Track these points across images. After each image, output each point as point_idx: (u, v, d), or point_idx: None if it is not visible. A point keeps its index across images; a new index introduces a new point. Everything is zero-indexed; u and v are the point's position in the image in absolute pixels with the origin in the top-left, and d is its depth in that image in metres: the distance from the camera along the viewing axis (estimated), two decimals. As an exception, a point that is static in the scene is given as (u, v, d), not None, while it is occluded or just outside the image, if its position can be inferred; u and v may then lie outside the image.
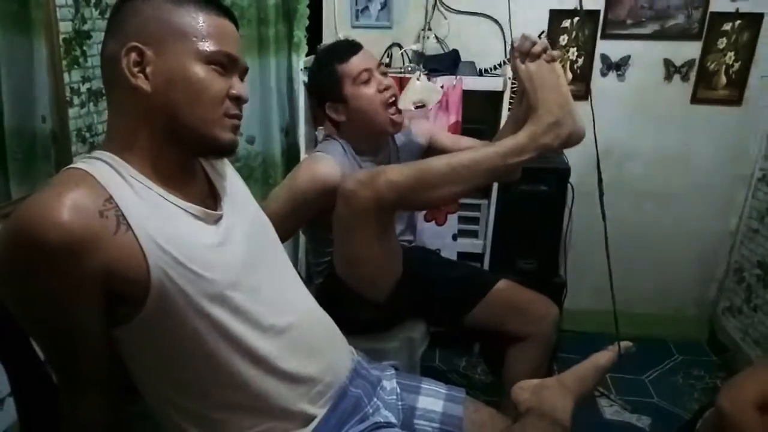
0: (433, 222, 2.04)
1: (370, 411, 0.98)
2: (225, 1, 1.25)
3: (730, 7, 2.00)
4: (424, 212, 2.00)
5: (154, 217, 0.78)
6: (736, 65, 2.06)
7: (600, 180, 1.16)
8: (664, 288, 2.33)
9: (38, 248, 0.68)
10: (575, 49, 2.11)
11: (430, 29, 2.11)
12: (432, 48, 2.09)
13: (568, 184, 2.09)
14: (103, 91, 0.87)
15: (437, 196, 1.17)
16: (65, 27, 1.59)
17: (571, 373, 1.10)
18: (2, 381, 0.89)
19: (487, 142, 1.51)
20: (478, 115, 2.07)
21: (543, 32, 2.06)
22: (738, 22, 2.01)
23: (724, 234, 2.25)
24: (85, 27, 1.68)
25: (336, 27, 2.16)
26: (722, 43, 2.04)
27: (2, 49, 1.42)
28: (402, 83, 1.61)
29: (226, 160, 1.00)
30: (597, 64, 2.12)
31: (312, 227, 1.50)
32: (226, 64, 0.83)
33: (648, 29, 2.07)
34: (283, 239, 1.16)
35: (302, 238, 2.08)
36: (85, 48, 1.68)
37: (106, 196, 0.74)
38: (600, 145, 1.16)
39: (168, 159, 0.83)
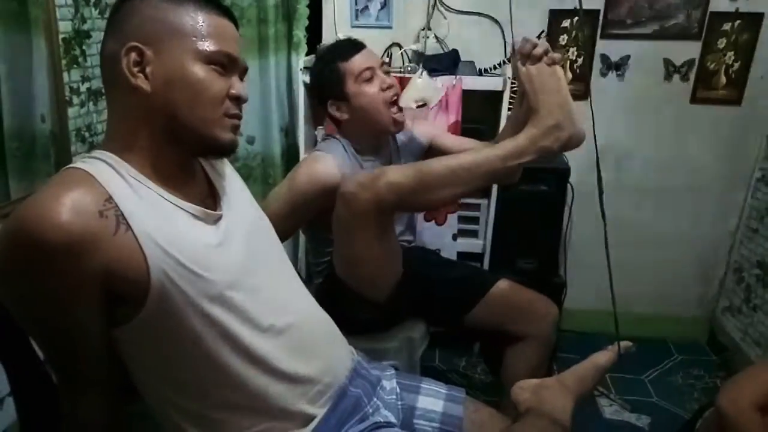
0: (433, 222, 2.04)
1: (370, 411, 0.98)
2: (225, 1, 1.25)
3: (729, 7, 2.00)
4: (423, 212, 2.00)
5: (154, 217, 0.77)
6: (736, 65, 2.06)
7: (600, 179, 1.15)
8: (663, 288, 2.33)
9: (38, 248, 0.68)
10: (575, 48, 2.11)
11: (429, 29, 2.11)
12: (432, 48, 2.09)
13: (568, 184, 2.09)
14: (103, 91, 0.87)
15: (437, 197, 1.17)
16: (65, 26, 1.59)
17: (570, 372, 1.10)
18: (2, 381, 0.89)
19: (487, 143, 1.51)
20: (478, 114, 2.07)
21: (543, 32, 2.06)
22: (738, 22, 2.01)
23: (723, 234, 2.25)
24: (85, 26, 1.68)
25: (336, 27, 2.16)
26: (722, 42, 2.04)
27: (2, 49, 1.41)
28: (402, 83, 1.61)
29: (225, 160, 1.00)
30: (597, 63, 2.12)
31: (312, 227, 1.50)
32: (225, 64, 0.83)
33: (648, 29, 2.06)
34: (282, 239, 1.16)
35: (302, 238, 2.07)
36: (84, 47, 1.68)
37: (106, 196, 0.74)
38: (599, 144, 1.15)
39: (168, 159, 0.83)
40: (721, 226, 2.24)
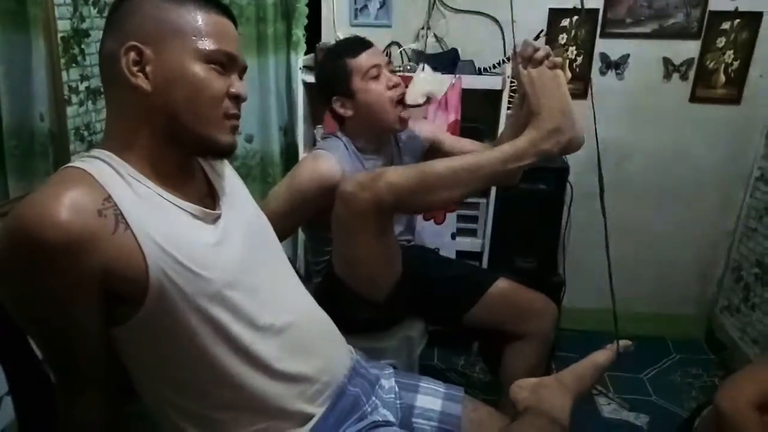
0: (432, 221, 2.04)
1: (369, 410, 0.98)
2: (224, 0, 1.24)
3: (729, 6, 2.00)
4: (422, 212, 2.00)
5: (153, 217, 0.77)
6: (735, 64, 2.06)
7: (600, 178, 1.16)
8: (662, 286, 2.33)
9: (36, 247, 0.68)
10: (574, 47, 2.11)
11: (429, 28, 2.11)
12: (431, 47, 2.09)
13: (567, 183, 2.09)
14: (102, 90, 0.87)
15: (437, 199, 1.17)
16: (63, 25, 1.59)
17: (569, 371, 1.10)
18: (0, 380, 0.89)
19: (488, 144, 1.51)
20: (477, 113, 2.07)
21: (542, 31, 2.06)
22: (737, 20, 2.01)
23: (722, 233, 2.25)
24: (84, 25, 1.67)
25: (335, 26, 2.16)
26: (721, 41, 2.04)
27: (0, 48, 1.41)
28: (404, 82, 1.61)
29: (224, 160, 1.00)
30: (596, 62, 2.12)
31: (311, 226, 1.50)
32: (225, 63, 0.83)
33: (647, 28, 2.06)
34: (282, 238, 1.16)
35: (301, 237, 2.08)
36: (83, 46, 1.68)
37: (105, 196, 0.74)
38: (598, 144, 1.16)
39: (167, 158, 0.83)
40: (720, 225, 2.24)
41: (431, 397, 1.07)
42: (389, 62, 1.48)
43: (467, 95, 1.94)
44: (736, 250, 2.22)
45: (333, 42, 2.08)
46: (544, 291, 1.53)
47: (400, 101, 1.44)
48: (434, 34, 2.11)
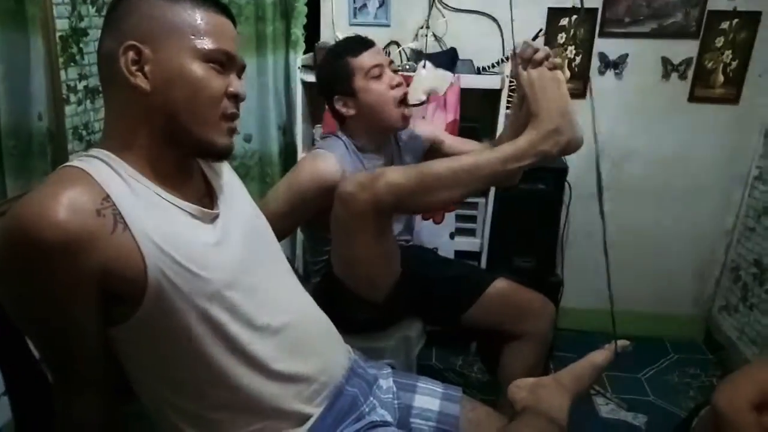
0: (431, 220, 2.04)
1: (367, 410, 0.98)
2: (222, -1, 1.24)
3: (727, 6, 2.00)
4: (421, 212, 2.00)
5: (152, 216, 0.77)
6: (734, 63, 2.06)
7: (599, 178, 1.15)
8: (660, 286, 2.33)
9: (35, 247, 0.68)
10: (573, 47, 2.11)
11: (428, 27, 2.11)
12: (430, 46, 2.09)
13: (566, 183, 2.09)
14: (100, 89, 0.87)
15: (436, 199, 1.17)
16: (62, 24, 1.59)
17: (567, 371, 1.10)
18: (-3, 380, 0.89)
19: (487, 144, 1.50)
20: (476, 113, 2.07)
21: (540, 30, 2.05)
22: (735, 20, 2.01)
23: (720, 232, 2.25)
24: (82, 24, 1.67)
25: (334, 25, 2.16)
26: (720, 41, 2.04)
27: (-2, 47, 1.41)
28: (405, 81, 1.61)
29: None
30: (595, 62, 2.12)
31: (310, 226, 1.50)
32: (224, 62, 0.83)
33: (646, 27, 2.07)
34: (281, 238, 1.16)
35: (300, 236, 2.07)
36: (81, 45, 1.68)
37: (104, 195, 0.74)
38: (597, 143, 1.15)
39: (165, 158, 0.83)
40: (718, 225, 2.25)
41: (429, 397, 1.07)
42: (391, 61, 1.48)
43: (466, 95, 1.94)
44: (735, 249, 2.22)
45: (332, 41, 2.08)
46: (543, 291, 1.53)
47: (403, 101, 1.43)
48: (433, 33, 2.11)
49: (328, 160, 1.37)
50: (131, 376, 0.84)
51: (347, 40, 1.52)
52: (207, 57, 0.80)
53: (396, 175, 1.13)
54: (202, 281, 0.79)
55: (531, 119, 1.16)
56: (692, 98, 2.12)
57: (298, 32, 2.04)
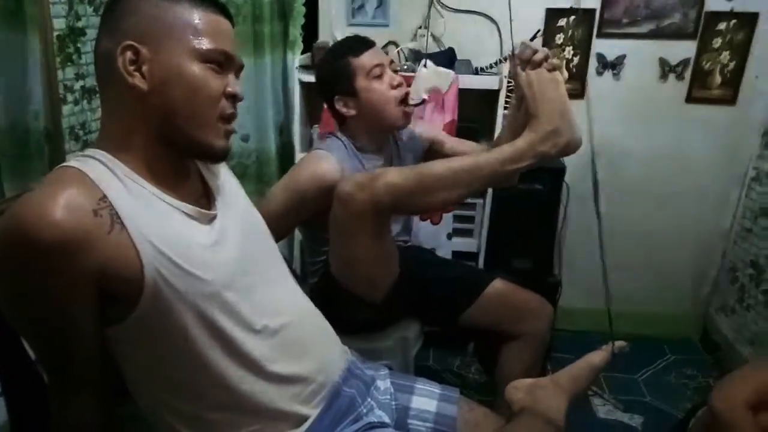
0: (428, 221, 2.04)
1: (364, 411, 0.98)
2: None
3: (725, 7, 2.01)
4: (419, 212, 1.99)
5: (149, 217, 0.77)
6: (731, 65, 2.06)
7: (595, 179, 1.16)
8: (657, 287, 2.34)
9: (32, 247, 0.68)
10: (571, 48, 2.11)
11: (426, 27, 2.11)
12: (428, 46, 2.09)
13: (563, 183, 2.09)
14: (97, 89, 0.86)
15: (435, 200, 1.17)
16: (59, 24, 1.58)
17: (565, 372, 1.10)
18: (-6, 381, 0.89)
19: (485, 145, 1.50)
20: (474, 113, 2.07)
21: (539, 31, 2.06)
22: (733, 21, 2.02)
23: (717, 233, 2.26)
24: (79, 24, 1.67)
25: (332, 25, 2.15)
26: (717, 42, 2.05)
27: (-5, 46, 1.41)
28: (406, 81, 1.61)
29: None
30: (593, 63, 2.12)
31: (308, 226, 1.50)
32: (222, 62, 0.83)
33: (643, 28, 2.07)
34: (279, 238, 1.16)
35: (297, 236, 2.07)
36: (79, 45, 1.67)
37: (101, 195, 0.74)
38: (595, 144, 1.16)
39: (162, 158, 0.83)
40: (715, 225, 2.25)
41: (427, 398, 1.07)
42: (392, 61, 1.48)
43: (464, 95, 1.94)
44: (731, 250, 2.22)
45: (330, 42, 2.08)
46: (540, 291, 1.53)
47: (404, 100, 1.43)
48: (431, 33, 2.11)
49: (328, 161, 1.37)
50: (127, 377, 0.84)
51: (347, 39, 1.51)
52: (205, 57, 0.80)
53: (395, 175, 1.13)
54: (199, 282, 0.78)
55: (530, 120, 1.16)
56: (690, 99, 2.12)
57: (296, 32, 2.03)
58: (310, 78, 1.91)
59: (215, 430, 0.84)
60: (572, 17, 2.08)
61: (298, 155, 2.07)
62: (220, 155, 0.86)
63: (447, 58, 2.00)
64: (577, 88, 2.11)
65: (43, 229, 0.67)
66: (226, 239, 0.87)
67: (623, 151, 2.20)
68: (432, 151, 1.61)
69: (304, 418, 0.89)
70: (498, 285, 1.48)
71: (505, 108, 1.94)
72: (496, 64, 2.02)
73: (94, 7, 1.71)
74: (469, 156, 1.20)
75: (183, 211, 0.83)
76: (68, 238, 0.68)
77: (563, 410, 1.02)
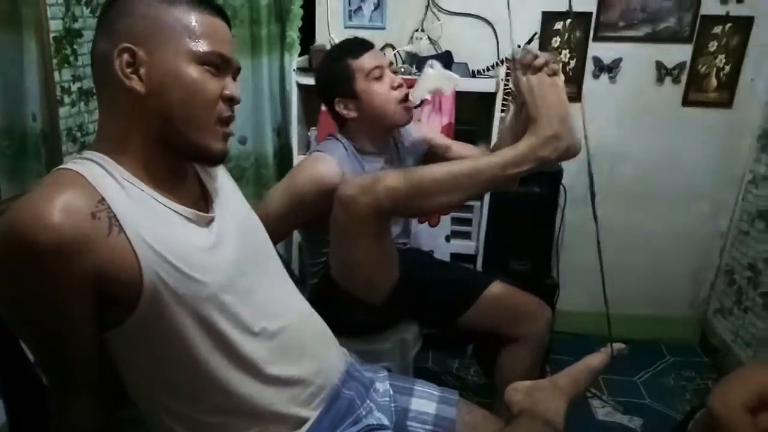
0: (426, 223, 2.04)
1: (363, 413, 0.97)
2: (217, 1, 1.24)
3: (720, 11, 2.02)
4: (417, 215, 1.99)
5: (147, 220, 0.77)
6: (727, 68, 2.07)
7: (591, 182, 1.16)
8: (655, 290, 2.34)
9: (29, 250, 0.68)
10: (567, 51, 2.12)
11: (423, 30, 2.12)
12: (425, 49, 2.09)
13: (561, 186, 2.10)
14: (94, 91, 0.86)
15: (436, 203, 1.17)
16: (55, 25, 1.58)
17: (564, 374, 1.10)
18: (-9, 383, 0.89)
19: (484, 148, 1.50)
20: (471, 116, 2.08)
21: (535, 34, 2.07)
22: (728, 25, 2.02)
23: (714, 236, 2.26)
24: (76, 25, 1.67)
25: (329, 28, 2.15)
26: (713, 46, 2.06)
27: (-8, 48, 1.41)
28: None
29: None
30: (589, 66, 2.13)
31: (308, 228, 1.49)
32: (219, 64, 0.82)
33: (640, 32, 2.08)
34: (278, 240, 1.16)
35: (296, 238, 2.07)
36: (75, 47, 1.67)
37: (99, 198, 0.74)
38: (591, 147, 1.16)
39: (160, 161, 0.82)
40: (713, 228, 2.25)
41: (426, 401, 1.07)
42: (391, 62, 1.48)
43: (461, 98, 1.94)
44: (729, 253, 2.23)
45: (327, 44, 2.08)
46: (538, 294, 1.53)
47: (404, 100, 1.43)
48: (428, 36, 2.12)
49: (328, 163, 1.36)
50: (126, 380, 0.83)
51: (346, 42, 1.51)
52: (202, 60, 0.80)
53: (396, 178, 1.12)
54: (198, 284, 0.78)
55: (530, 125, 1.16)
56: (686, 102, 2.13)
57: (293, 35, 2.04)
58: (308, 80, 1.92)
59: (213, 432, 0.84)
60: (568, 20, 2.08)
61: (296, 157, 2.07)
62: (218, 158, 0.86)
63: (444, 61, 2.00)
64: (574, 91, 2.12)
65: (40, 232, 0.67)
66: (224, 242, 0.86)
67: (620, 154, 2.21)
68: (431, 153, 1.61)
69: (303, 421, 0.89)
70: (497, 287, 1.48)
71: (502, 111, 1.95)
72: (493, 67, 2.02)
73: (90, 8, 1.71)
74: (470, 160, 1.20)
75: (181, 214, 0.82)
76: (65, 241, 0.68)
77: (562, 412, 1.02)
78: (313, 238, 1.49)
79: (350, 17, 2.15)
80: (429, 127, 1.85)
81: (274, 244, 1.05)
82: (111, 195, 0.75)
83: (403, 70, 1.99)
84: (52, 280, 0.70)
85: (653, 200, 2.25)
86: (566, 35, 2.11)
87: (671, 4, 2.03)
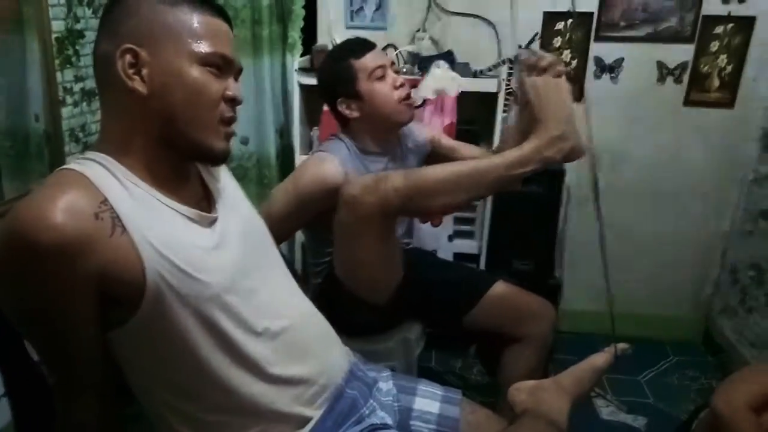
0: (429, 223, 2.03)
1: (367, 412, 0.97)
2: (219, 1, 1.24)
3: (722, 11, 2.01)
4: (421, 215, 1.99)
5: (150, 220, 0.77)
6: (729, 68, 2.07)
7: (595, 182, 1.16)
8: (659, 289, 2.34)
9: (32, 250, 0.68)
10: (569, 51, 2.12)
11: (424, 30, 2.12)
12: (427, 49, 2.09)
13: (563, 186, 2.10)
14: (96, 91, 0.86)
15: (440, 203, 1.17)
16: (58, 26, 1.59)
17: (567, 374, 1.10)
18: (-4, 382, 0.89)
19: (486, 150, 1.50)
20: (473, 116, 2.07)
21: (537, 34, 2.07)
22: (730, 25, 2.02)
23: (717, 235, 2.26)
24: (78, 26, 1.67)
25: (330, 28, 2.16)
26: (715, 46, 2.05)
27: (-6, 49, 1.41)
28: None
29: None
30: (590, 66, 2.13)
31: (312, 228, 1.49)
32: (221, 65, 0.82)
33: (641, 32, 2.07)
34: (282, 240, 1.16)
35: (299, 238, 2.07)
36: (78, 47, 1.67)
37: (102, 198, 0.74)
38: (594, 146, 1.16)
39: (163, 161, 0.83)
40: (715, 228, 2.25)
41: (429, 400, 1.07)
42: (393, 62, 1.48)
43: (463, 98, 1.94)
44: (732, 252, 2.22)
45: (329, 44, 2.08)
46: (542, 293, 1.53)
47: (406, 100, 1.43)
48: (430, 36, 2.11)
49: (330, 163, 1.36)
50: (130, 379, 0.83)
51: (348, 42, 1.51)
52: (204, 60, 0.80)
53: (401, 178, 1.12)
54: (201, 285, 0.78)
55: (535, 126, 1.16)
56: (687, 102, 2.13)
57: (295, 35, 2.04)
58: (310, 80, 1.92)
59: (216, 431, 0.84)
60: (570, 20, 2.08)
61: (298, 158, 2.07)
62: (221, 158, 0.86)
63: (446, 61, 2.00)
64: (575, 91, 2.11)
65: (43, 232, 0.67)
66: (227, 242, 0.86)
67: (622, 154, 2.20)
68: (434, 153, 1.61)
69: (307, 420, 0.89)
70: (500, 287, 1.48)
71: (504, 111, 1.94)
72: (494, 66, 2.02)
73: (93, 9, 1.72)
74: (474, 160, 1.20)
75: (184, 215, 0.82)
76: (68, 242, 0.68)
77: (566, 412, 1.02)
78: (316, 238, 1.49)
79: (352, 18, 2.15)
80: (434, 127, 1.84)
81: (278, 244, 1.05)
82: (114, 195, 0.75)
83: (405, 70, 1.99)
84: (55, 281, 0.70)
85: (656, 200, 2.24)
86: (567, 35, 2.11)
87: (673, 3, 2.03)
